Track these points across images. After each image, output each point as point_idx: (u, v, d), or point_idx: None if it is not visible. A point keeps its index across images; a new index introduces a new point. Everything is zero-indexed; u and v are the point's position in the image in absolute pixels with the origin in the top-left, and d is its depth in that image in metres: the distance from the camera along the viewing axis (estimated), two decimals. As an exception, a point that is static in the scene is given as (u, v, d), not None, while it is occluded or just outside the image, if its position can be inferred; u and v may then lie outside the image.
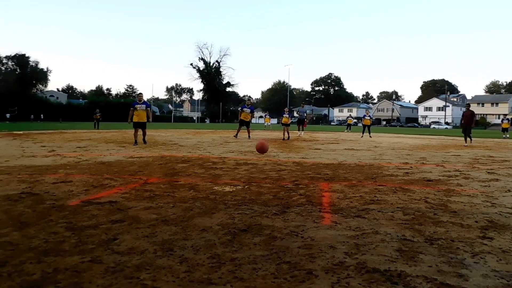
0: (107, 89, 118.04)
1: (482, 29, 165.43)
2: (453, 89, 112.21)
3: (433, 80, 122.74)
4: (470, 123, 13.83)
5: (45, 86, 65.50)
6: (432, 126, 73.07)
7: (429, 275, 2.10)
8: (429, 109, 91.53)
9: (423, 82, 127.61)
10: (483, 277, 2.10)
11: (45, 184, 4.59)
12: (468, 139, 13.92)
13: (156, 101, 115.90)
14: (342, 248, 2.53)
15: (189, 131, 22.93)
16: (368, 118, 21.18)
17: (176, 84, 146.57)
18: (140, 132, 11.45)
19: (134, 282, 1.94)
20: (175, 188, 4.47)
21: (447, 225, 3.11)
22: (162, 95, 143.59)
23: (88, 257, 2.25)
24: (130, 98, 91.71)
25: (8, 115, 47.32)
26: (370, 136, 20.23)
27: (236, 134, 16.43)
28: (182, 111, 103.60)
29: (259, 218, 3.23)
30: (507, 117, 28.38)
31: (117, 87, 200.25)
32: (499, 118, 63.80)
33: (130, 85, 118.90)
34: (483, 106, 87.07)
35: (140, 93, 11.99)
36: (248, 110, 16.31)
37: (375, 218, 3.31)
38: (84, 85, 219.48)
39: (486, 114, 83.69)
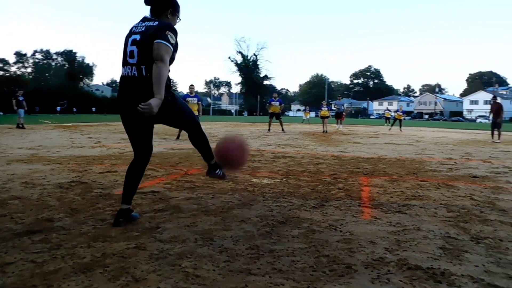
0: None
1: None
2: (502, 81, 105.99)
3: (480, 72, 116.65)
4: (497, 117, 13.20)
5: (91, 80, 68.45)
6: (479, 120, 69.53)
7: (476, 275, 2.03)
8: (475, 102, 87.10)
9: (469, 74, 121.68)
10: (534, 279, 2.00)
11: (92, 173, 4.82)
12: (496, 134, 13.21)
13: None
14: (382, 243, 2.48)
15: (227, 124, 23.20)
16: (401, 113, 21.56)
17: (215, 78, 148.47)
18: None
19: (176, 269, 2.01)
20: (214, 180, 4.54)
21: (495, 224, 2.98)
22: (201, 88, 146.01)
23: (133, 244, 2.35)
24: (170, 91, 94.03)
25: (58, 108, 49.90)
26: (401, 130, 19.93)
27: (269, 129, 16.09)
28: (221, 104, 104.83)
29: (297, 211, 3.24)
30: None
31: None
32: (553, 112, 59.65)
33: (171, 79, 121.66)
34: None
35: (192, 85, 11.37)
36: (277, 103, 16.09)
37: (417, 214, 3.22)
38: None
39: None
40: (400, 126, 21.05)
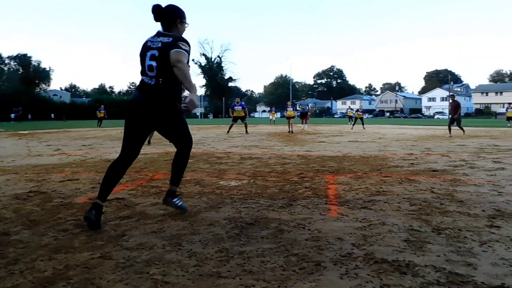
0: (110, 87, 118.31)
1: (484, 18, 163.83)
2: (456, 79, 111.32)
3: (436, 70, 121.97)
4: (454, 114, 14.15)
5: (48, 85, 65.82)
6: (436, 116, 72.65)
7: (438, 264, 2.10)
8: (432, 99, 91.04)
9: (426, 72, 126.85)
10: (492, 265, 2.10)
11: (52, 182, 4.62)
12: (459, 131, 14.11)
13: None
14: (350, 239, 2.53)
15: (192, 127, 22.87)
16: (360, 112, 22.50)
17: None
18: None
19: (144, 277, 1.95)
20: (180, 184, 4.48)
21: (454, 215, 3.11)
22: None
23: (98, 253, 2.27)
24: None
25: (13, 115, 47.59)
26: (364, 128, 20.77)
27: (228, 131, 16.25)
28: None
29: (266, 211, 3.24)
30: (512, 105, 28.08)
31: (120, 85, 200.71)
32: (503, 107, 63.34)
33: (133, 83, 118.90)
34: (487, 95, 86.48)
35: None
36: (240, 108, 16.22)
37: (382, 209, 3.31)
38: (87, 84, 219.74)
39: (491, 104, 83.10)
40: (363, 124, 21.73)
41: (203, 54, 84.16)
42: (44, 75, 63.18)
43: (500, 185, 4.36)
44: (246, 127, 16.13)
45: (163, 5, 2.94)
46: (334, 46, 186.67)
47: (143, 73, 2.85)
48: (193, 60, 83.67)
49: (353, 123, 23.22)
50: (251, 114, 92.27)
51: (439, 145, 9.99)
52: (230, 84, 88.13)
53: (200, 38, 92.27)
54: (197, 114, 79.27)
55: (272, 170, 5.56)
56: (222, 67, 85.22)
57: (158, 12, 2.90)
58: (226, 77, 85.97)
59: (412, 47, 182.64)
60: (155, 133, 11.10)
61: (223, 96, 79.57)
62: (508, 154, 7.57)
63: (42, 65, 63.83)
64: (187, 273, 2.01)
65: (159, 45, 2.77)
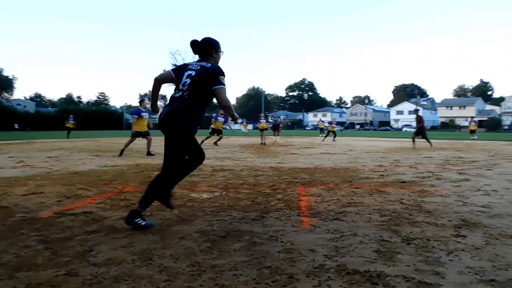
0: (78, 97, 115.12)
1: (448, 35, 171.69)
2: (422, 93, 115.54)
3: (404, 84, 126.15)
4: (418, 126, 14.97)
5: (11, 94, 63.35)
6: (404, 129, 74.91)
7: (408, 274, 2.14)
8: (400, 112, 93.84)
9: (394, 86, 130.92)
10: (459, 273, 2.16)
11: (14, 196, 4.42)
12: (427, 143, 14.71)
13: (129, 108, 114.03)
14: (322, 251, 2.55)
15: (162, 138, 22.55)
16: (334, 125, 23.16)
17: (149, 91, 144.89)
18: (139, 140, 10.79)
19: (112, 294, 1.89)
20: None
21: (422, 225, 3.19)
22: (135, 102, 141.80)
23: (63, 271, 2.17)
24: (102, 106, 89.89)
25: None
26: (334, 140, 21.31)
27: (203, 141, 16.03)
28: (156, 118, 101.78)
29: (238, 224, 3.22)
30: (474, 119, 29.40)
31: (88, 95, 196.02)
32: (467, 120, 66.12)
33: (102, 93, 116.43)
34: (451, 109, 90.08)
35: (144, 99, 11.31)
36: (222, 119, 16.24)
37: (353, 220, 3.36)
38: (54, 93, 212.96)
39: (455, 117, 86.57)
40: (334, 136, 22.12)
41: (175, 65, 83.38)
42: (6, 84, 60.75)
43: (465, 195, 4.52)
44: (220, 139, 16.05)
45: (199, 39, 3.27)
46: (306, 59, 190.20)
47: (176, 88, 3.16)
48: (164, 70, 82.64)
49: (325, 135, 23.59)
50: (224, 126, 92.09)
51: (407, 157, 10.28)
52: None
53: (172, 49, 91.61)
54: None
55: (245, 182, 5.55)
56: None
57: (195, 46, 3.25)
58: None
59: (381, 61, 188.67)
60: (132, 146, 10.81)
61: (195, 107, 78.91)
62: (472, 166, 7.87)
63: (5, 73, 61.41)
64: (157, 289, 1.95)
65: (198, 67, 3.12)
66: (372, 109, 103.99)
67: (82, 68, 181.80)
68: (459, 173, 6.66)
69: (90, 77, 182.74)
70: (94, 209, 3.75)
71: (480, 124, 56.03)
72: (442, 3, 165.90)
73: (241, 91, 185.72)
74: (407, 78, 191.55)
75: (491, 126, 71.34)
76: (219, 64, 3.25)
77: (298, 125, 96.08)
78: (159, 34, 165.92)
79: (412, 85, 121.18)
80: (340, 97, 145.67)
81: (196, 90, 3.04)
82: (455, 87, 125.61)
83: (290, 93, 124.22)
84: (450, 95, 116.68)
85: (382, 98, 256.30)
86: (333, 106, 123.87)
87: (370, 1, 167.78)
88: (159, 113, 3.29)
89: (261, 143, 16.60)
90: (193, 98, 3.03)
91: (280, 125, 21.34)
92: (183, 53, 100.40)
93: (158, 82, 3.28)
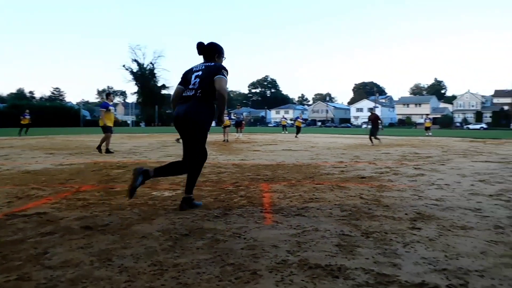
0: (30, 92, 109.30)
1: (406, 36, 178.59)
2: (381, 91, 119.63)
3: (363, 82, 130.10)
4: (375, 126, 15.10)
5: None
6: (364, 126, 77.23)
7: (367, 266, 2.21)
8: (360, 110, 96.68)
9: (355, 84, 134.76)
10: (414, 264, 2.26)
11: (-40, 197, 4.14)
12: (375, 140, 14.85)
13: (86, 104, 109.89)
14: (285, 246, 2.57)
15: (123, 136, 22.01)
16: (301, 120, 23.51)
17: (108, 87, 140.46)
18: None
19: (69, 297, 1.81)
20: (110, 195, 4.26)
21: (380, 219, 3.30)
22: (93, 98, 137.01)
23: (14, 275, 2.06)
24: (57, 102, 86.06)
25: None
26: (296, 137, 21.36)
27: (179, 139, 15.94)
28: (116, 114, 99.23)
29: (201, 221, 3.19)
30: (429, 116, 30.80)
31: (41, 90, 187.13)
32: (422, 118, 69.12)
33: (57, 88, 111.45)
34: (408, 107, 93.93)
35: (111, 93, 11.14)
36: None
37: (315, 215, 3.42)
38: (3, 88, 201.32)
39: (411, 114, 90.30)
40: (297, 133, 22.29)
41: (135, 60, 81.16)
42: None
43: (420, 190, 4.73)
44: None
45: (205, 42, 3.63)
46: (269, 56, 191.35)
47: (186, 90, 3.49)
48: (123, 66, 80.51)
49: (296, 132, 23.12)
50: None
51: (366, 153, 10.60)
52: (164, 91, 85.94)
53: (132, 43, 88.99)
54: (128, 122, 76.34)
55: (207, 179, 5.50)
56: (155, 74, 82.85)
57: (201, 47, 3.59)
58: (159, 84, 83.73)
59: (341, 59, 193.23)
60: (90, 143, 10.42)
61: (156, 104, 77.41)
62: (426, 161, 8.24)
63: None
64: (117, 290, 1.90)
65: (203, 67, 3.48)
66: (333, 106, 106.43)
67: (35, 62, 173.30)
68: (415, 168, 6.96)
69: (44, 72, 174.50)
70: (48, 209, 3.58)
71: (434, 121, 58.82)
72: (400, 8, 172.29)
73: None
74: (367, 76, 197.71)
75: (444, 123, 75.12)
76: None
77: (260, 122, 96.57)
78: (118, 28, 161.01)
79: (372, 83, 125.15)
80: (302, 95, 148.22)
81: (205, 86, 3.38)
82: (411, 85, 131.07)
83: (253, 90, 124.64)
84: (407, 93, 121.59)
85: (342, 95, 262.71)
86: (295, 103, 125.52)
87: (332, 2, 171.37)
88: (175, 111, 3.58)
89: (224, 140, 16.54)
90: (205, 94, 3.38)
91: (243, 122, 21.33)
92: (143, 48, 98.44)
93: (175, 101, 3.62)
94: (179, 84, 3.59)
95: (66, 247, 2.53)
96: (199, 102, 3.36)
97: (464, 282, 2.02)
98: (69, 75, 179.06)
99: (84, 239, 2.69)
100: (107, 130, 10.00)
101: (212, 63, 3.50)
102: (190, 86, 3.43)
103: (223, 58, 3.67)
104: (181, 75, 3.67)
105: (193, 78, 3.46)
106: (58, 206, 3.71)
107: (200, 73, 3.45)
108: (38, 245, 2.57)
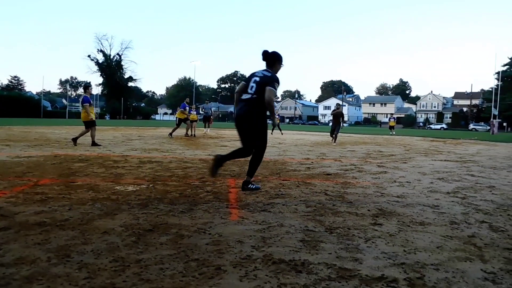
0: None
1: (373, 36, 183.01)
2: (349, 90, 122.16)
3: (332, 81, 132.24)
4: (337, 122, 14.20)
5: None
6: (331, 124, 78.65)
7: (329, 261, 2.25)
8: (328, 108, 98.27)
9: (323, 82, 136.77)
10: (375, 259, 2.32)
11: None
12: (330, 138, 14.32)
13: (48, 94, 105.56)
14: (250, 242, 2.58)
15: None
16: (277, 117, 23.84)
17: (72, 77, 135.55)
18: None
19: (23, 295, 1.73)
20: (71, 190, 4.12)
21: (344, 215, 3.37)
22: (55, 88, 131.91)
23: (-36, 272, 1.95)
24: (15, 91, 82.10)
25: None
26: (282, 133, 21.67)
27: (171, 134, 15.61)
28: (78, 106, 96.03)
29: (166, 217, 3.14)
30: (393, 116, 31.82)
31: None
32: (387, 117, 71.20)
33: (15, 76, 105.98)
34: (374, 106, 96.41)
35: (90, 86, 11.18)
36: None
37: (280, 211, 3.45)
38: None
39: (377, 114, 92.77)
40: (275, 128, 22.37)
41: (101, 51, 78.66)
42: None
43: (383, 187, 4.87)
44: (188, 130, 16.11)
45: (270, 51, 4.17)
46: (238, 52, 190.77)
47: (245, 92, 4.02)
48: (89, 56, 77.87)
49: (278, 129, 22.93)
50: (152, 117, 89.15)
51: (332, 150, 10.81)
52: (130, 84, 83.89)
53: (98, 33, 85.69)
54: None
55: (173, 174, 5.43)
56: (122, 65, 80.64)
57: (265, 55, 4.14)
58: (126, 76, 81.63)
59: (310, 57, 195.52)
60: (50, 135, 9.95)
61: (122, 96, 75.46)
62: (389, 159, 8.50)
63: None
64: (76, 287, 1.84)
65: (261, 75, 4.01)
66: (302, 103, 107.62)
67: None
68: (378, 166, 7.16)
69: (0, 59, 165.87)
70: (3, 204, 3.41)
71: (398, 120, 60.79)
72: (369, 7, 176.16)
73: (172, 81, 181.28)
74: (335, 75, 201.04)
75: (408, 122, 77.71)
76: (277, 75, 4.14)
77: (229, 118, 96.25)
78: (82, 18, 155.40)
79: (340, 81, 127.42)
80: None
81: (260, 91, 3.90)
82: (377, 85, 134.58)
83: (222, 85, 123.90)
84: (373, 93, 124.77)
85: (311, 93, 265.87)
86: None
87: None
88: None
89: (191, 135, 16.36)
90: (258, 99, 3.90)
91: (211, 117, 21.18)
92: (110, 38, 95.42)
93: (239, 93, 4.10)
94: (244, 81, 4.15)
95: (21, 243, 2.42)
96: (252, 105, 3.94)
97: (421, 275, 2.10)
98: (29, 63, 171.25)
99: (41, 235, 2.59)
100: (93, 123, 10.03)
101: (269, 74, 4.02)
102: (248, 90, 4.00)
103: (282, 66, 4.24)
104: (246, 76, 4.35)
105: (251, 82, 4.01)
106: (13, 200, 3.54)
107: (258, 79, 3.99)
108: (-9, 241, 2.44)
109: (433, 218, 3.36)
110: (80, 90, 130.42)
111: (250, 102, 3.95)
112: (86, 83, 75.26)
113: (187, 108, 15.70)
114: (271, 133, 21.21)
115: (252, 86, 4.00)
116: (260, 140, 3.98)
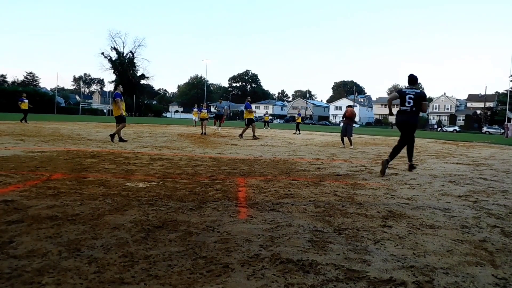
0: (2, 76, 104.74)
1: (385, 38, 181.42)
2: (360, 90, 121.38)
3: (343, 81, 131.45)
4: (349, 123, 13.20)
5: None
6: (342, 124, 78.21)
7: (337, 262, 2.24)
8: (339, 108, 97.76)
9: (334, 82, 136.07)
10: (383, 261, 2.30)
11: None
12: (347, 141, 12.99)
13: (61, 91, 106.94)
14: (258, 241, 2.58)
15: (99, 125, 21.55)
16: (298, 116, 24.69)
17: (85, 74, 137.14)
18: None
19: (34, 287, 1.76)
20: (83, 185, 4.17)
21: (353, 216, 3.35)
22: (69, 85, 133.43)
23: (-23, 263, 1.99)
24: (30, 87, 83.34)
25: None
26: (300, 133, 22.08)
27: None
28: (92, 103, 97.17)
29: (175, 214, 3.16)
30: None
31: (14, 73, 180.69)
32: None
33: (31, 73, 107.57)
34: (386, 107, 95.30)
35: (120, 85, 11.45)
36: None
37: (289, 211, 3.44)
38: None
39: (388, 115, 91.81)
40: (299, 129, 23.00)
41: (114, 48, 79.53)
42: None
43: (393, 189, 4.83)
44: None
45: (415, 75, 6.33)
46: (251, 51, 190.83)
47: (403, 105, 6.14)
48: (102, 53, 78.70)
49: (295, 129, 23.02)
50: (163, 114, 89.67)
51: (343, 151, 10.74)
52: (142, 81, 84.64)
53: (112, 30, 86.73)
54: (104, 111, 74.70)
55: (183, 172, 5.46)
56: (135, 63, 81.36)
57: (411, 78, 6.31)
58: (139, 74, 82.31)
59: (322, 57, 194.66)
60: (63, 131, 10.12)
61: (134, 93, 76.08)
62: (400, 161, 8.41)
63: None
64: (86, 281, 1.86)
65: (414, 93, 6.12)
66: (313, 103, 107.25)
67: (6, 44, 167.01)
68: (389, 167, 7.09)
69: (17, 54, 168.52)
70: (16, 197, 3.47)
71: (409, 122, 59.91)
72: (382, 7, 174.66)
73: (184, 79, 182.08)
74: (347, 75, 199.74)
75: (420, 124, 76.61)
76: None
77: (240, 117, 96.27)
78: (97, 16, 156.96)
79: (352, 82, 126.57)
80: (283, 90, 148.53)
81: (415, 105, 6.07)
82: (390, 86, 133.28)
83: (234, 84, 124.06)
84: (385, 94, 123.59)
85: (322, 93, 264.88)
86: (275, 99, 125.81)
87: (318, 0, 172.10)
88: (395, 117, 6.33)
89: (202, 133, 16.43)
90: (416, 110, 6.10)
91: (224, 115, 21.26)
92: (124, 36, 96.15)
93: (391, 100, 6.31)
94: (397, 92, 6.28)
95: (33, 236, 2.46)
96: (413, 114, 6.12)
97: (430, 279, 2.08)
98: (44, 60, 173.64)
99: (52, 229, 2.63)
100: (123, 119, 10.28)
101: (419, 91, 6.19)
102: (407, 104, 6.08)
103: (418, 85, 6.38)
104: (396, 90, 6.56)
105: (407, 98, 6.08)
106: (26, 194, 3.60)
107: (412, 96, 6.08)
108: (3, 233, 2.49)
109: (444, 222, 3.32)
110: (94, 87, 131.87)
111: (411, 113, 6.06)
112: (118, 80, 76.21)
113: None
114: (299, 133, 21.31)
115: (409, 102, 6.04)
116: (413, 135, 6.30)
